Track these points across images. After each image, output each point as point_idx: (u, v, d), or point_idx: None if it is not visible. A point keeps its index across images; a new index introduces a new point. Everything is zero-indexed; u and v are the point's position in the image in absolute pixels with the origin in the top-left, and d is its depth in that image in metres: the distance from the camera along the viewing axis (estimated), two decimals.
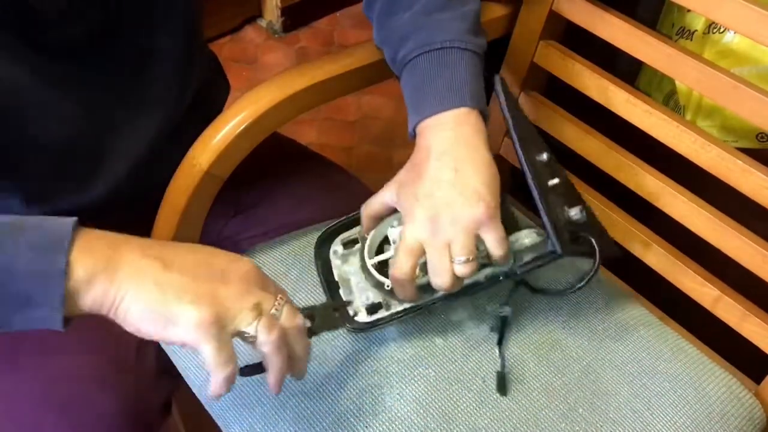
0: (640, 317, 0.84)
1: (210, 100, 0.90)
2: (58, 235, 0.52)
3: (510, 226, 0.71)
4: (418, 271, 0.69)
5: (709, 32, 0.90)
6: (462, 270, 0.66)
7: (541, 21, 0.87)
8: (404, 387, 0.74)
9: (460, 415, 0.72)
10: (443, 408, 0.73)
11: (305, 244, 0.86)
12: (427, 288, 0.71)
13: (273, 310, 0.57)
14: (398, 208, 0.71)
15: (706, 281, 0.81)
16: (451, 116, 0.70)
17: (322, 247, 0.80)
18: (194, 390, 0.78)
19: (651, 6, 1.00)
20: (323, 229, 0.81)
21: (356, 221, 0.78)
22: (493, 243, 0.67)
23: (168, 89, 0.79)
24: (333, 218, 0.89)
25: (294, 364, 0.61)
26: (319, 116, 1.88)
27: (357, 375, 0.74)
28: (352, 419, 0.71)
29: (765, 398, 0.80)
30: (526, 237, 0.73)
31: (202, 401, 0.77)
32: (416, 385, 0.74)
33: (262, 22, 2.14)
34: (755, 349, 0.79)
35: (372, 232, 0.75)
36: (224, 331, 0.55)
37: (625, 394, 0.76)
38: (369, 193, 0.75)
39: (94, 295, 0.53)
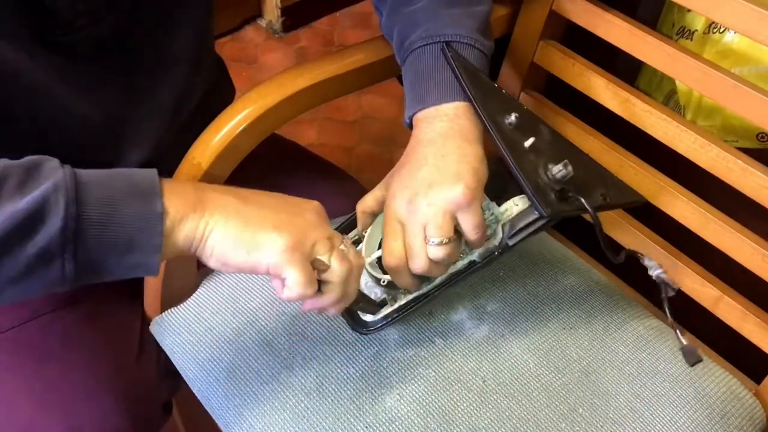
0: (640, 317, 0.84)
1: (215, 102, 0.90)
2: (149, 182, 0.55)
3: (501, 193, 0.69)
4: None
5: (709, 32, 0.90)
6: (436, 252, 0.65)
7: (541, 21, 0.87)
8: (404, 387, 0.74)
9: (460, 415, 0.72)
10: (443, 408, 0.73)
11: None
12: (425, 276, 0.69)
13: (341, 246, 0.61)
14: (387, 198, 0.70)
15: (706, 281, 0.81)
16: (450, 109, 0.69)
17: None
18: (194, 390, 0.78)
19: (651, 6, 1.00)
20: None
21: (355, 221, 0.77)
22: (469, 228, 0.66)
23: (179, 92, 0.80)
24: (331, 219, 0.89)
25: (340, 303, 0.63)
26: (319, 116, 1.88)
27: (357, 375, 0.74)
28: (352, 419, 0.71)
29: (765, 398, 0.80)
30: (515, 205, 0.71)
31: (202, 401, 0.77)
32: (416, 385, 0.74)
33: (262, 22, 2.14)
34: (755, 349, 0.79)
35: (368, 230, 0.75)
36: (304, 256, 0.58)
37: (625, 394, 0.76)
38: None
39: (186, 233, 0.56)
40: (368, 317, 0.74)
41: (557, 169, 0.66)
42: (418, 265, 0.66)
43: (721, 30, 0.89)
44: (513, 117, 0.69)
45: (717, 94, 0.75)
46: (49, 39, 0.65)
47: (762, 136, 0.92)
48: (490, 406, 0.73)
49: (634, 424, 0.74)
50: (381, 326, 0.73)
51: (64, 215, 0.51)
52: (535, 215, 0.68)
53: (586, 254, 0.92)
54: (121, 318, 0.85)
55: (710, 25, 0.90)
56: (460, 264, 0.72)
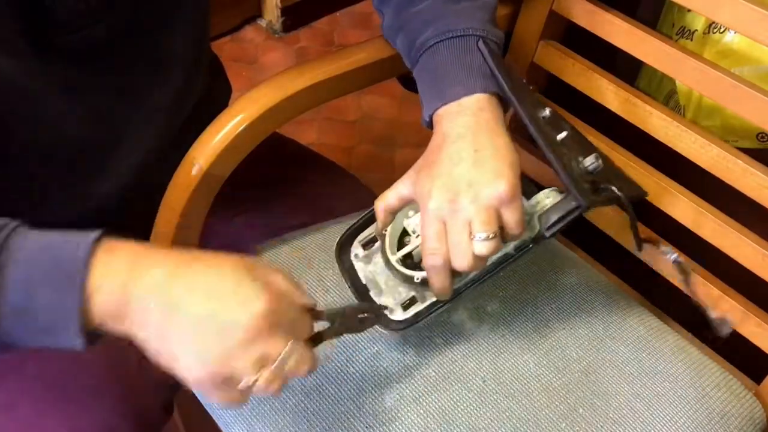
0: (640, 317, 0.84)
1: (212, 102, 0.90)
2: (71, 269, 0.52)
3: (527, 190, 0.69)
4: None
5: (709, 32, 0.90)
6: (482, 248, 0.64)
7: (541, 21, 0.87)
8: (404, 387, 0.74)
9: (460, 415, 0.72)
10: (443, 408, 0.73)
11: (306, 243, 0.86)
12: (456, 272, 0.68)
13: (279, 358, 0.55)
14: (415, 197, 0.69)
15: (706, 281, 0.81)
16: (472, 102, 0.68)
17: (343, 254, 0.77)
18: (194, 390, 0.78)
19: (651, 6, 1.00)
20: (339, 236, 0.77)
21: (369, 220, 0.76)
22: (512, 222, 0.65)
23: (176, 93, 0.80)
24: (333, 218, 0.89)
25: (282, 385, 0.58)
26: (319, 116, 1.88)
27: (357, 375, 0.74)
28: (352, 419, 0.71)
29: (765, 398, 0.80)
30: (546, 197, 0.71)
31: (203, 402, 0.77)
32: (416, 385, 0.74)
33: (262, 22, 2.14)
34: (755, 349, 0.79)
35: (389, 228, 0.73)
36: (228, 383, 0.55)
37: (625, 394, 0.76)
38: (369, 192, 0.75)
39: (111, 330, 0.55)
40: (398, 315, 0.72)
41: (589, 161, 0.68)
42: (465, 262, 0.64)
43: (721, 30, 0.89)
44: (547, 111, 0.71)
45: (717, 94, 0.75)
46: (45, 41, 0.64)
47: (762, 136, 0.92)
48: (490, 406, 0.73)
49: (634, 424, 0.74)
50: (411, 325, 0.72)
51: None
52: (572, 205, 0.68)
53: (587, 254, 0.92)
54: None
55: (710, 25, 0.90)
56: (494, 258, 0.70)
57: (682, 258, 0.80)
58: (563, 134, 0.70)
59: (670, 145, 0.79)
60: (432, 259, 0.66)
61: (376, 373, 0.75)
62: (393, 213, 0.73)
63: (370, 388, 0.73)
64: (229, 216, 0.91)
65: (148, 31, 0.73)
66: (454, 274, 0.68)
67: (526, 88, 0.73)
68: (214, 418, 0.76)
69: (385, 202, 0.71)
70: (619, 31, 0.80)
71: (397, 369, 0.75)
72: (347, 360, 0.75)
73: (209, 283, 0.55)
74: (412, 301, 0.73)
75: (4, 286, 0.51)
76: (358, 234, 0.77)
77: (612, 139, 0.86)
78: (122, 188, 0.80)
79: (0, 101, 0.64)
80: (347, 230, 0.77)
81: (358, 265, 0.76)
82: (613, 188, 0.69)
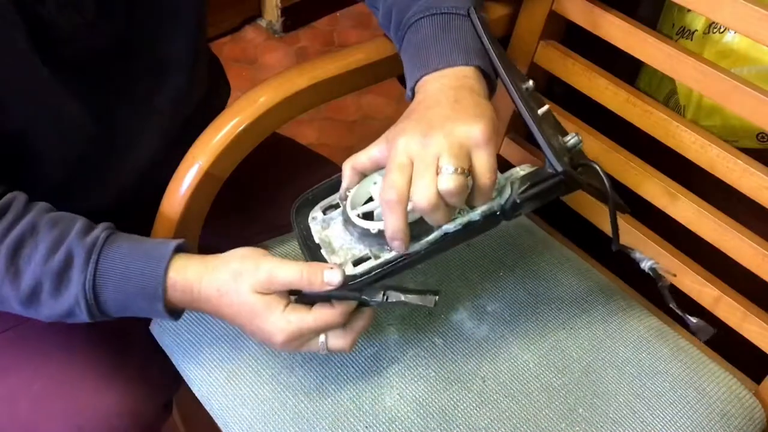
0: (640, 317, 0.84)
1: (212, 102, 0.90)
2: (154, 288, 0.66)
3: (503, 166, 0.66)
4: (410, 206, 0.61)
5: (709, 32, 0.90)
6: (447, 182, 0.58)
7: (541, 21, 0.87)
8: (404, 387, 0.74)
9: (460, 415, 0.72)
10: (443, 408, 0.73)
11: None
12: (418, 234, 0.63)
13: (320, 343, 0.66)
14: (387, 150, 0.63)
15: (706, 281, 0.81)
16: (455, 71, 0.67)
17: (299, 216, 0.72)
18: (194, 390, 0.78)
19: (651, 6, 1.00)
20: (300, 197, 0.74)
21: (334, 186, 0.71)
22: (483, 168, 0.60)
23: (177, 97, 0.80)
24: None
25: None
26: (319, 116, 1.88)
27: (357, 375, 0.74)
28: (352, 419, 0.71)
29: (765, 398, 0.80)
30: (521, 169, 0.67)
31: (202, 401, 0.77)
32: (416, 385, 0.74)
33: (262, 22, 2.14)
34: (755, 349, 0.79)
35: (353, 189, 0.67)
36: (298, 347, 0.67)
37: (625, 394, 0.76)
38: None
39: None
40: (349, 269, 0.66)
41: (569, 137, 0.66)
42: (424, 195, 0.59)
43: (721, 30, 0.89)
44: (530, 83, 0.69)
45: (717, 94, 0.75)
46: (52, 52, 0.66)
47: (762, 136, 0.92)
48: (489, 406, 0.73)
49: (634, 424, 0.74)
50: (362, 281, 0.65)
51: (89, 315, 0.66)
52: (547, 173, 0.64)
53: (587, 254, 0.92)
54: (122, 318, 0.85)
55: (710, 25, 0.90)
56: (455, 223, 0.65)
57: (659, 265, 0.79)
58: (544, 109, 0.67)
59: (669, 145, 0.79)
60: (389, 193, 0.60)
61: (375, 373, 0.75)
62: (361, 174, 0.67)
63: (370, 388, 0.73)
64: (228, 216, 0.91)
65: (146, 39, 0.74)
66: (413, 230, 0.62)
67: (512, 63, 0.71)
68: (214, 418, 0.76)
69: (354, 161, 0.66)
70: (619, 31, 0.80)
71: (396, 369, 0.75)
72: (347, 360, 0.75)
73: (242, 325, 0.67)
74: (363, 260, 0.66)
75: (104, 303, 0.66)
76: (321, 199, 0.73)
77: (612, 140, 0.86)
78: (123, 191, 0.80)
79: (23, 112, 0.67)
80: (308, 191, 0.73)
81: (314, 227, 0.71)
82: (595, 165, 0.65)
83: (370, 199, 0.68)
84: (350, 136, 1.86)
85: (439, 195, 0.59)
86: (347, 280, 0.65)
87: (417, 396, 0.73)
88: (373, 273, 0.65)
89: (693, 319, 0.76)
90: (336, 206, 0.72)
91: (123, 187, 0.81)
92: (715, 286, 0.81)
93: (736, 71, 0.87)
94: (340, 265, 0.65)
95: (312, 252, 0.69)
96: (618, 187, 0.85)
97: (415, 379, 0.74)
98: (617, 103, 0.83)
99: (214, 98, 0.92)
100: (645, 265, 0.77)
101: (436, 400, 0.73)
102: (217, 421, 0.76)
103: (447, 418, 0.72)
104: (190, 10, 0.78)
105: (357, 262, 0.66)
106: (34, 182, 0.71)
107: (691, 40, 0.92)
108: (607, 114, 0.84)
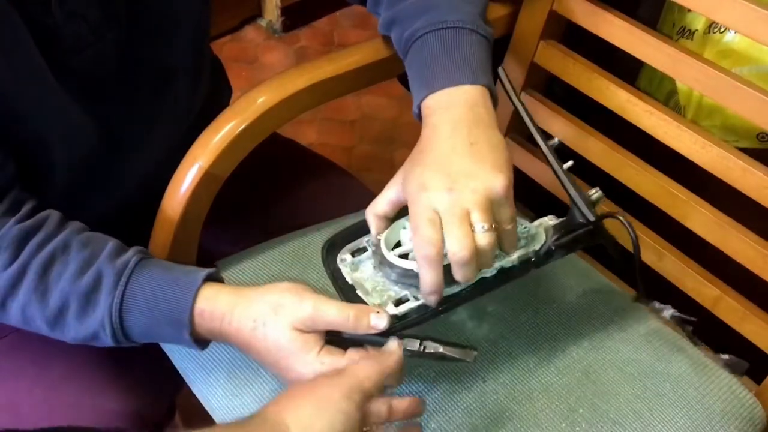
0: (640, 317, 0.84)
1: (212, 102, 0.90)
2: (180, 314, 0.65)
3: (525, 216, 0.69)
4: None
5: (709, 32, 0.90)
6: (484, 239, 0.61)
7: (541, 21, 0.87)
8: (404, 387, 0.74)
9: (460, 415, 0.72)
10: (443, 408, 0.73)
11: (305, 244, 0.86)
12: (453, 279, 0.65)
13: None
14: (405, 194, 0.65)
15: (706, 281, 0.81)
16: (462, 93, 0.67)
17: (329, 257, 0.74)
18: (194, 390, 0.78)
19: (651, 6, 1.00)
20: (327, 240, 0.75)
21: (361, 229, 0.73)
22: (506, 219, 0.63)
23: (181, 104, 0.80)
24: (333, 219, 0.89)
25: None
26: (319, 116, 1.88)
27: None
28: None
29: (765, 398, 0.80)
30: (549, 220, 0.70)
31: (202, 401, 0.77)
32: (416, 385, 0.74)
33: (262, 22, 2.14)
34: (755, 349, 0.79)
35: (383, 234, 0.69)
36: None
37: (625, 394, 0.76)
38: (369, 193, 0.75)
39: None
40: (390, 309, 0.67)
41: (592, 192, 0.70)
42: (466, 253, 0.60)
43: (721, 30, 0.89)
44: (556, 140, 0.73)
45: (717, 94, 0.75)
46: (60, 62, 0.66)
47: (762, 136, 0.92)
48: (490, 406, 0.73)
49: (634, 425, 0.74)
50: (407, 322, 0.67)
51: (113, 339, 0.66)
52: (579, 223, 0.68)
53: (587, 255, 0.92)
54: None
55: (710, 25, 0.90)
56: (492, 269, 0.68)
57: (679, 314, 0.82)
58: (568, 164, 0.71)
59: (670, 145, 0.79)
60: (426, 248, 0.61)
61: None
62: (385, 219, 0.69)
63: None
64: (228, 216, 0.91)
65: (150, 46, 0.74)
66: (446, 276, 0.64)
67: (534, 120, 0.75)
68: (214, 418, 0.76)
69: (375, 208, 0.69)
70: (619, 31, 0.80)
71: None
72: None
73: (271, 363, 0.66)
74: (403, 300, 0.68)
75: (129, 327, 0.65)
76: (348, 242, 0.74)
77: (612, 140, 0.86)
78: (127, 198, 0.81)
79: (37, 123, 0.67)
80: (336, 234, 0.75)
81: (344, 270, 0.73)
82: (620, 217, 0.70)
83: (398, 244, 0.70)
84: (350, 136, 1.85)
85: (478, 249, 0.61)
86: (392, 321, 0.66)
87: (417, 396, 0.73)
88: (419, 315, 0.67)
89: (725, 356, 0.78)
90: (363, 249, 0.73)
91: (128, 193, 0.82)
92: (715, 286, 0.81)
93: (737, 71, 0.87)
94: (380, 305, 0.67)
95: (345, 293, 0.70)
96: (618, 186, 0.86)
97: (416, 379, 0.74)
98: (617, 103, 0.83)
99: (214, 97, 0.92)
100: (666, 314, 0.80)
101: (436, 400, 0.73)
102: (217, 421, 0.76)
103: (447, 418, 0.72)
104: (193, 18, 0.78)
105: (397, 303, 0.68)
106: (43, 190, 0.71)
107: (692, 40, 0.92)
108: (607, 114, 0.84)
